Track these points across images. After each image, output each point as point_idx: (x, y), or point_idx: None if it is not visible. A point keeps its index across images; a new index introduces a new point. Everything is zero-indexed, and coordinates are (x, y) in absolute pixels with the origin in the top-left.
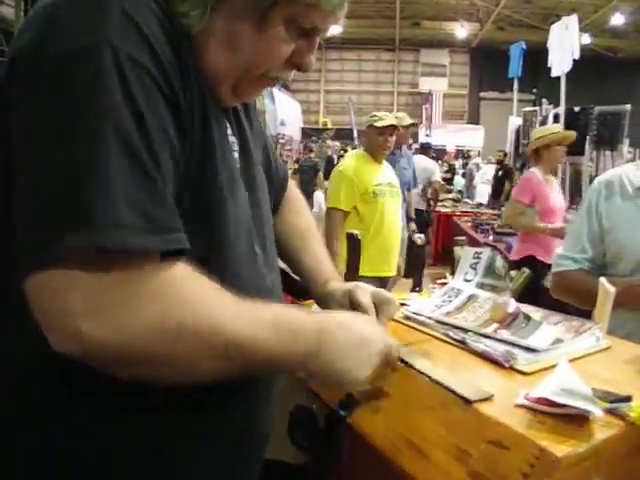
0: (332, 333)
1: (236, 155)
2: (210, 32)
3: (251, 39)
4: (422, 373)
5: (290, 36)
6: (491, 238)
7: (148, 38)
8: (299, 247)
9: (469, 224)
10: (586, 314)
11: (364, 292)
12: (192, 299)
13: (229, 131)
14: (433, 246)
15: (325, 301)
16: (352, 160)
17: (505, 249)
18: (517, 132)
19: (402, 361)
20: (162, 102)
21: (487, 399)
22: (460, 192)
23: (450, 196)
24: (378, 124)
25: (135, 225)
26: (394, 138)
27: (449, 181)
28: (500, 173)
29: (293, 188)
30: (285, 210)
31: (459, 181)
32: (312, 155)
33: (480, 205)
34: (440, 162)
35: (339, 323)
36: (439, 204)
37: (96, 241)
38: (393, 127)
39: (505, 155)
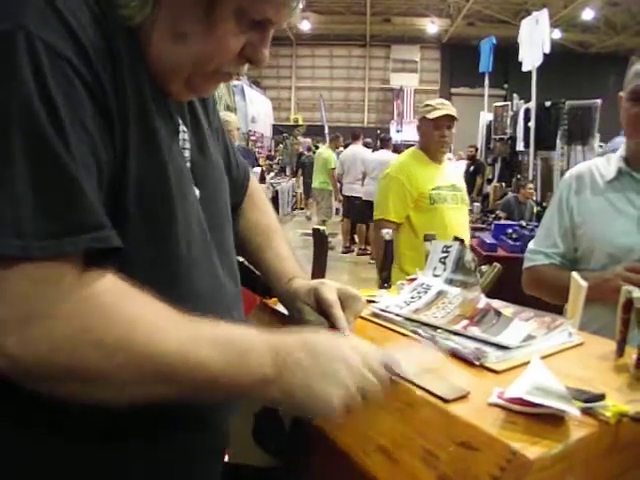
0: (292, 353)
1: (187, 153)
2: (154, 24)
3: (198, 33)
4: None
5: (240, 29)
6: None
7: (71, 25)
8: (261, 244)
9: None
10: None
11: (329, 288)
12: (119, 314)
13: (182, 127)
14: None
15: (289, 299)
16: (404, 159)
17: (477, 244)
18: (488, 127)
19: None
20: (83, 92)
21: (463, 397)
22: None
23: None
24: (431, 115)
25: (42, 228)
26: (452, 131)
27: None
28: (472, 168)
29: (255, 185)
30: (247, 208)
31: None
32: (310, 153)
33: None
34: None
35: (302, 341)
36: None
37: None
38: (450, 118)
39: (476, 150)
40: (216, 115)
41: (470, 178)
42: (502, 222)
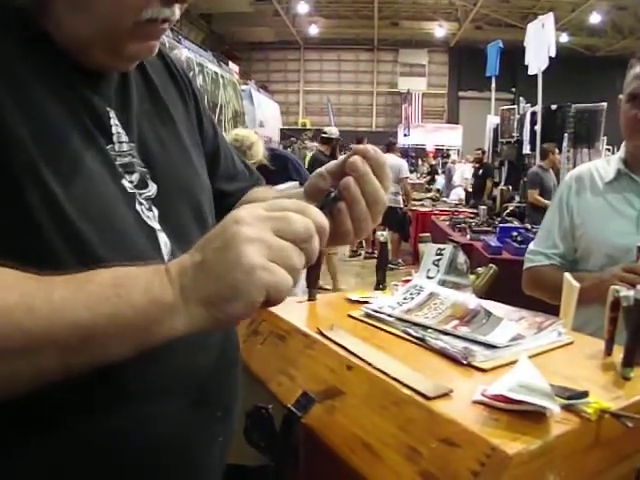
0: (186, 260)
1: (125, 146)
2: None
3: None
4: (379, 370)
5: None
6: (468, 237)
7: None
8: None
9: (447, 223)
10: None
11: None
12: None
13: (113, 120)
14: (412, 245)
15: None
16: None
17: (482, 247)
18: (495, 131)
19: (358, 358)
20: None
21: (446, 394)
22: (439, 191)
23: (429, 195)
24: None
25: None
26: None
27: (430, 181)
28: (481, 172)
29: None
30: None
31: (440, 180)
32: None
33: (458, 204)
34: (421, 162)
35: (195, 247)
36: (418, 203)
37: None
38: None
39: (483, 153)
40: (207, 116)
41: (479, 182)
42: (507, 225)
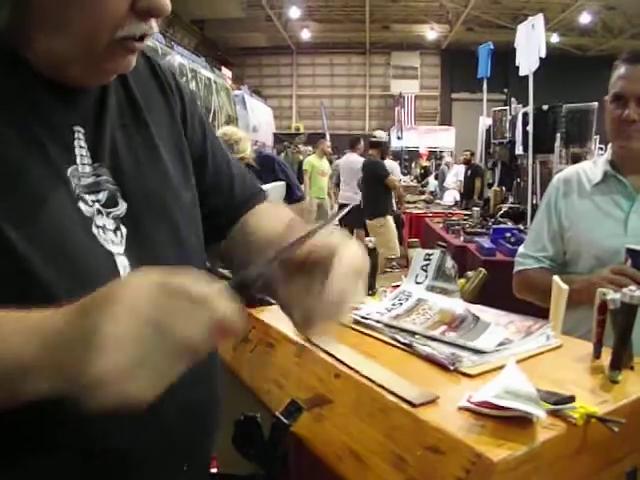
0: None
1: (87, 168)
2: (27, 22)
3: (74, 8)
4: (365, 377)
5: None
6: (462, 239)
7: None
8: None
9: (440, 225)
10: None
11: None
12: None
13: (77, 139)
14: (406, 248)
15: None
16: None
17: (475, 249)
18: (487, 132)
19: (346, 365)
20: None
21: (432, 401)
22: (432, 193)
23: (422, 197)
24: None
25: None
26: None
27: (424, 184)
28: (469, 173)
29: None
30: (247, 220)
31: (433, 182)
32: None
33: (452, 206)
34: (414, 164)
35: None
36: (411, 205)
37: None
38: None
39: (472, 154)
40: (197, 120)
41: (468, 182)
42: (501, 226)
